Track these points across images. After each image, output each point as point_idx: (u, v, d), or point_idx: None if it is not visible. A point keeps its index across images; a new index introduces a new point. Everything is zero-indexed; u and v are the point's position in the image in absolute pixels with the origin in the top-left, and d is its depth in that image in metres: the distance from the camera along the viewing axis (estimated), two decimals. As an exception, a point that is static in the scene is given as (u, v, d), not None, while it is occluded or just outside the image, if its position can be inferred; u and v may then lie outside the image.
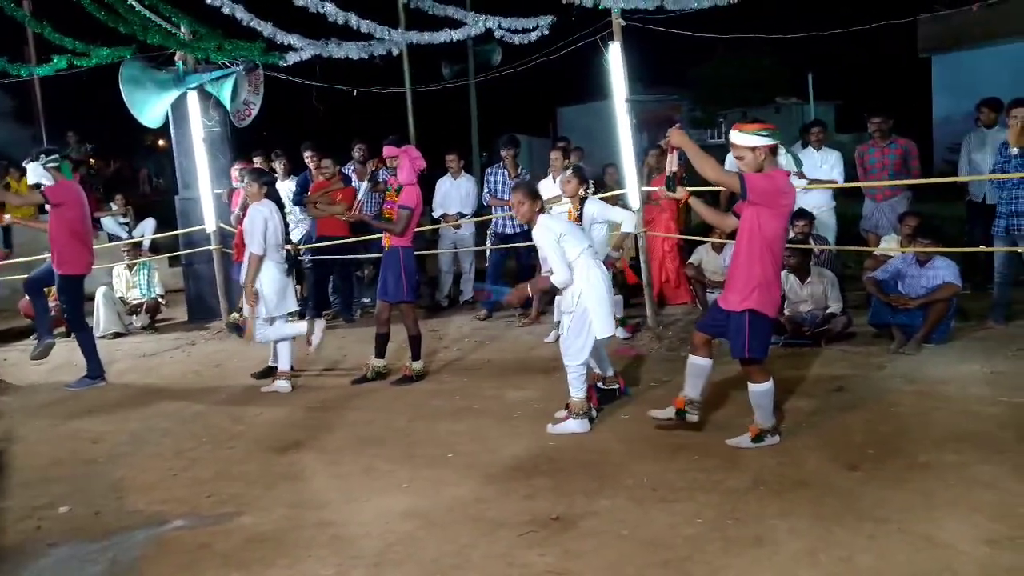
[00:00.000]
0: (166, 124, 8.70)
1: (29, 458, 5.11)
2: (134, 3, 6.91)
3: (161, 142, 19.59)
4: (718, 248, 7.58)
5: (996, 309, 6.60)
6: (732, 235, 4.85)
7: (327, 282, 8.90)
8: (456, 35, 7.39)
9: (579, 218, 6.20)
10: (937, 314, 6.04)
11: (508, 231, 8.58)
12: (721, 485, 3.93)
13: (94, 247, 10.22)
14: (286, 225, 6.28)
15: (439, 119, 16.38)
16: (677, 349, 6.62)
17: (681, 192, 4.54)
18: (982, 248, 7.11)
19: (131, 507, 4.24)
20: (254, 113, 8.38)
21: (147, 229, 11.06)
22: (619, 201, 7.87)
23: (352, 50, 7.43)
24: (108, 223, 11.42)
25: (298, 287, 7.90)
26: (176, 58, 8.14)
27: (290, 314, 6.45)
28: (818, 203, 7.84)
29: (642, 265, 7.50)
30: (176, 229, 9.14)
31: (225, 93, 7.91)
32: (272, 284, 6.18)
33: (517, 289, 5.21)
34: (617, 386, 5.37)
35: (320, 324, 6.45)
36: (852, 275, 7.92)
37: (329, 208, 8.25)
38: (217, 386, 6.58)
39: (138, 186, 17.88)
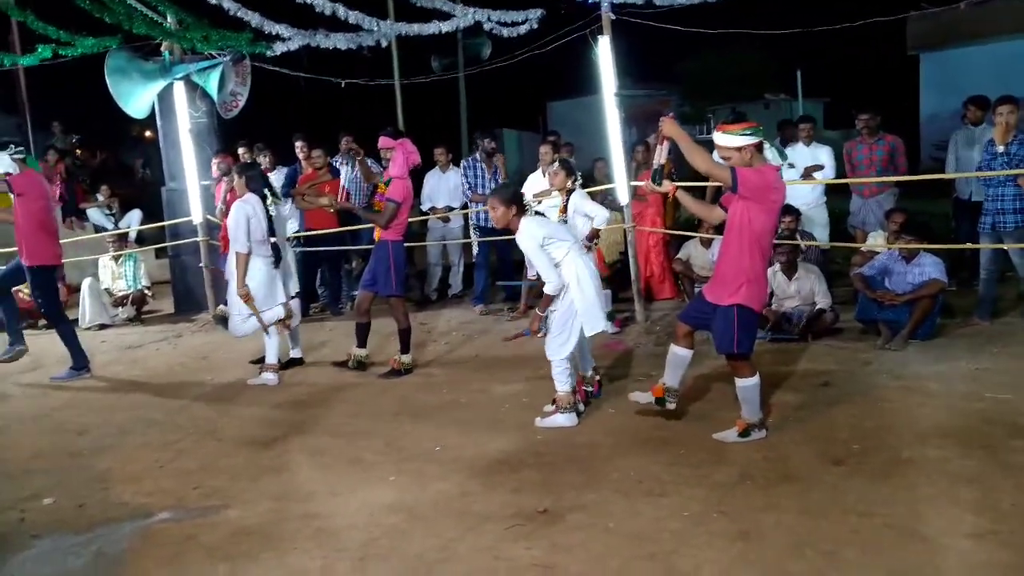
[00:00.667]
0: (153, 115, 8.62)
1: (12, 450, 5.07)
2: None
3: (148, 133, 19.41)
4: (706, 243, 7.59)
5: (982, 306, 6.65)
6: (720, 230, 4.87)
7: (315, 274, 8.87)
8: (445, 27, 7.35)
9: (566, 210, 6.21)
10: (923, 310, 6.08)
11: (490, 224, 8.57)
12: (707, 479, 3.95)
13: (80, 238, 10.20)
14: (270, 218, 6.21)
15: (429, 112, 16.33)
16: (665, 343, 6.61)
17: (667, 186, 4.54)
18: (968, 245, 7.15)
19: (116, 499, 4.21)
20: (241, 104, 8.31)
21: (133, 220, 10.98)
22: (608, 195, 7.88)
23: (340, 41, 7.39)
24: (94, 214, 11.33)
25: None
26: (162, 48, 8.07)
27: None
28: (808, 199, 7.88)
29: (630, 260, 7.51)
30: (162, 220, 9.07)
31: (212, 84, 7.84)
32: (258, 278, 6.14)
33: (532, 320, 5.18)
34: (592, 388, 5.33)
35: (296, 303, 6.40)
36: (839, 271, 7.96)
37: (317, 200, 8.21)
38: (203, 378, 6.54)
39: (124, 177, 17.72)
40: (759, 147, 4.18)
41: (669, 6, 6.84)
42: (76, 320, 8.68)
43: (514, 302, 8.38)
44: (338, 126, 9.61)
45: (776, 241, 6.72)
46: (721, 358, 4.64)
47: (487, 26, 7.43)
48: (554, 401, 4.96)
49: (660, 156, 4.49)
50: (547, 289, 4.81)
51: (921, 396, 5.03)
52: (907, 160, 7.98)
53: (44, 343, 8.15)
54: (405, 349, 6.32)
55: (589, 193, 6.71)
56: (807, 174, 7.81)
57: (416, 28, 7.38)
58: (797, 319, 6.42)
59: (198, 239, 8.40)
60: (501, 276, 8.83)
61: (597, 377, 5.40)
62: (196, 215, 8.33)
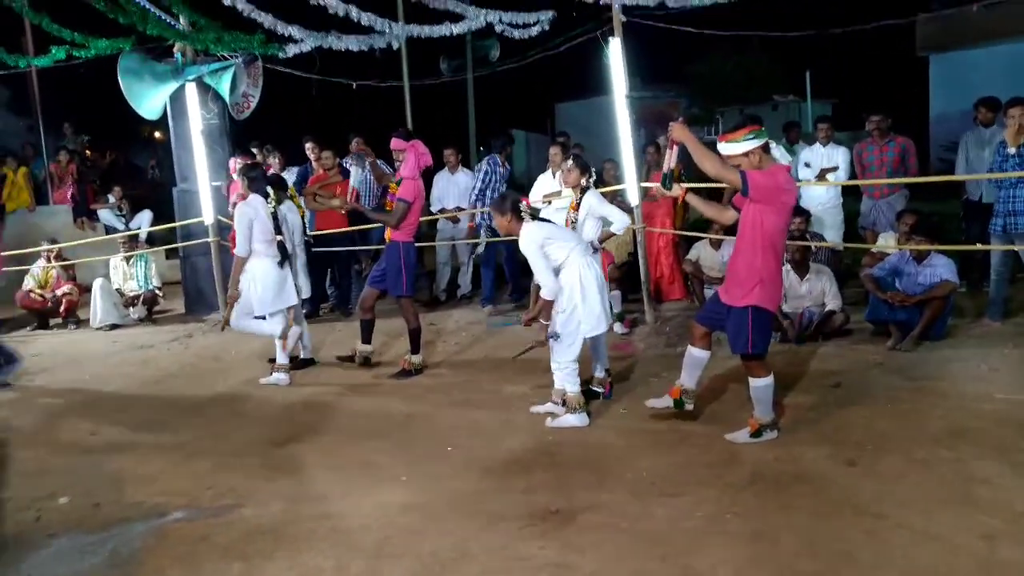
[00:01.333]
0: (164, 116, 8.66)
1: (28, 449, 5.10)
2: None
3: (158, 134, 19.49)
4: (716, 244, 7.59)
5: (993, 307, 6.63)
6: (730, 231, 4.88)
7: (325, 275, 8.90)
8: (456, 29, 7.37)
9: (579, 207, 6.18)
10: (934, 311, 6.07)
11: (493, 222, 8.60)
12: (720, 480, 3.95)
13: (92, 239, 10.25)
14: (275, 217, 6.21)
15: (437, 113, 16.35)
16: (675, 345, 6.63)
17: (677, 190, 4.55)
18: (979, 246, 7.13)
19: (130, 499, 4.24)
20: (253, 106, 8.35)
21: (144, 221, 11.03)
22: (617, 197, 7.88)
23: (352, 43, 7.41)
24: (105, 215, 11.38)
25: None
26: (175, 50, 8.11)
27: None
28: (824, 199, 7.87)
29: (640, 261, 7.51)
30: (173, 221, 9.11)
31: (224, 85, 7.88)
32: (266, 279, 6.13)
33: (539, 331, 5.06)
34: (602, 390, 5.35)
35: (295, 331, 6.40)
36: (850, 272, 7.95)
37: (328, 201, 8.25)
38: (215, 378, 6.57)
39: (134, 177, 17.80)
40: (766, 148, 4.20)
41: (680, 8, 6.83)
42: (88, 320, 8.75)
43: (520, 303, 8.39)
44: (348, 127, 9.66)
45: (788, 242, 6.74)
46: (731, 357, 4.65)
47: (498, 28, 7.45)
48: (563, 402, 4.97)
49: (670, 160, 4.50)
50: (543, 294, 4.83)
51: (933, 397, 5.02)
52: (917, 161, 7.97)
53: (55, 343, 8.22)
54: (415, 349, 6.33)
55: (600, 194, 6.70)
56: (822, 175, 7.81)
57: (428, 30, 7.41)
58: (808, 319, 6.41)
59: (209, 240, 8.43)
60: (510, 277, 8.85)
61: (608, 379, 5.40)
62: (207, 216, 8.37)
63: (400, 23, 7.48)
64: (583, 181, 6.11)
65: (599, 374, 5.34)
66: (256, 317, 6.19)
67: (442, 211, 9.11)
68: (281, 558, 3.47)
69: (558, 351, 4.92)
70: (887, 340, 6.20)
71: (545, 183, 7.96)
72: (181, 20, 7.88)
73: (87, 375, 6.83)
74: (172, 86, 8.10)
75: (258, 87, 8.26)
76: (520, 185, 12.86)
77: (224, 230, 8.35)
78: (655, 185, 7.22)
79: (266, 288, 6.13)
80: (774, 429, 4.43)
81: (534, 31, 7.66)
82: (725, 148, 4.20)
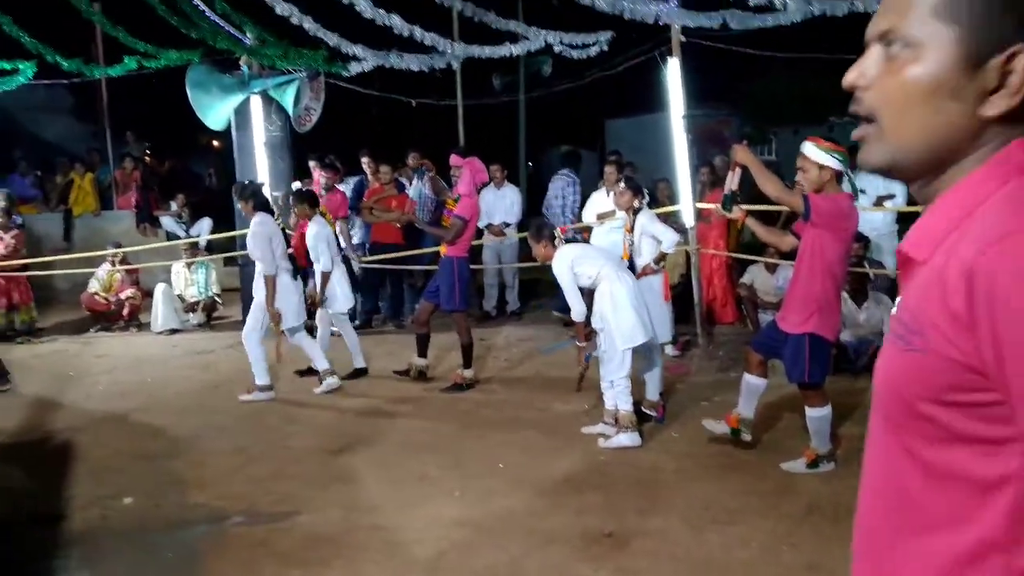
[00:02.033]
0: (228, 127, 8.89)
1: (93, 448, 5.27)
2: (205, 9, 7.10)
3: (216, 143, 19.96)
4: (771, 268, 7.52)
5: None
6: (786, 255, 4.84)
7: (378, 288, 9.03)
8: (516, 50, 7.46)
9: (633, 229, 6.20)
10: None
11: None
12: (775, 509, 3.92)
13: (154, 245, 10.56)
14: (284, 232, 6.39)
15: (488, 128, 16.49)
16: (727, 369, 6.59)
17: (737, 212, 4.53)
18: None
19: (191, 501, 4.37)
20: (314, 119, 8.54)
21: (203, 229, 11.31)
22: (671, 217, 7.87)
23: (413, 62, 7.55)
24: (167, 221, 11.70)
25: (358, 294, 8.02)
26: (241, 63, 8.35)
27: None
28: (879, 226, 7.75)
29: (694, 283, 7.48)
30: (230, 229, 9.33)
31: (288, 99, 8.09)
32: (291, 294, 6.27)
33: (578, 353, 5.27)
34: (655, 413, 5.34)
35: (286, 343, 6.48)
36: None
37: (384, 215, 8.38)
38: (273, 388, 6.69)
39: (192, 185, 18.25)
40: (839, 176, 4.16)
41: (743, 30, 6.82)
42: (149, 324, 9.00)
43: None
44: (405, 142, 9.81)
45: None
46: (789, 384, 4.60)
47: (557, 48, 7.52)
48: (616, 420, 4.99)
49: (732, 182, 4.49)
50: (573, 316, 4.99)
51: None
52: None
53: (118, 345, 8.48)
54: (467, 364, 6.40)
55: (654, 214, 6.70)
56: (879, 202, 7.69)
57: (488, 51, 7.51)
58: (865, 348, 6.32)
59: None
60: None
61: (661, 402, 5.39)
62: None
63: (460, 44, 7.58)
64: (636, 203, 6.13)
65: (652, 397, 5.34)
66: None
67: (488, 227, 9.18)
68: (338, 567, 3.55)
69: (608, 369, 4.96)
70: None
71: (598, 201, 7.98)
72: (248, 35, 8.11)
73: (148, 378, 7.03)
74: (238, 98, 8.33)
75: (320, 101, 8.45)
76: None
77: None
78: (715, 206, 7.20)
79: (290, 301, 6.26)
80: (831, 460, 4.38)
81: (592, 51, 7.72)
82: (810, 149, 4.15)
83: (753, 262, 7.78)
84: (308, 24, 6.47)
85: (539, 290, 9.71)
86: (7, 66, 8.26)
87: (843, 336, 6.38)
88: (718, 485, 4.26)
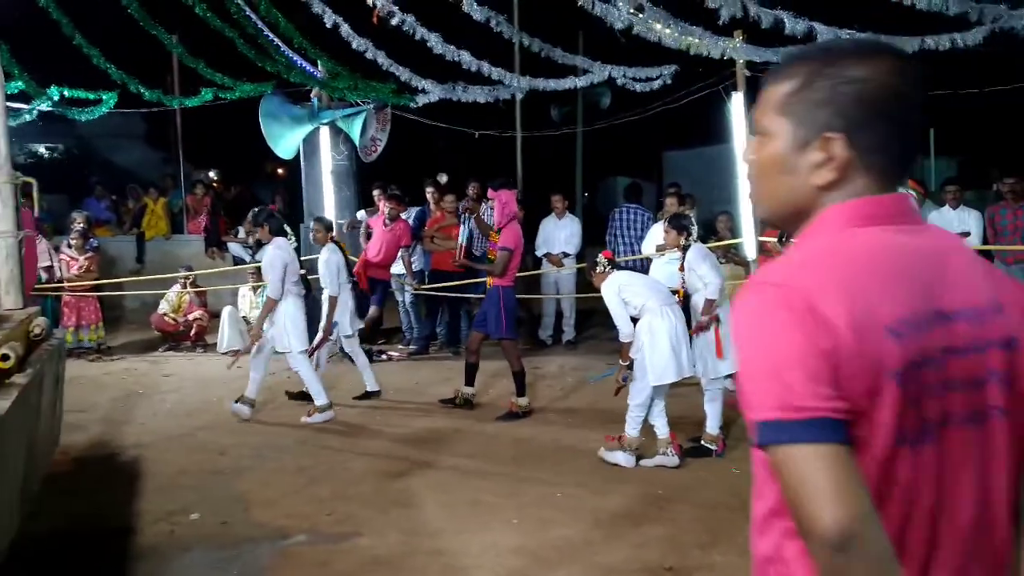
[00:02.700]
0: (297, 155, 9.18)
1: (160, 465, 5.43)
2: (280, 44, 7.40)
3: (280, 171, 20.53)
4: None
5: None
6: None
7: (436, 314, 9.15)
8: (580, 82, 7.57)
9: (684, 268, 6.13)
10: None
11: None
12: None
13: (221, 269, 10.89)
14: (346, 256, 6.63)
15: (545, 159, 16.65)
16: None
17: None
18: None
19: (256, 519, 4.46)
20: (380, 149, 8.77)
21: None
22: (731, 250, 7.82)
23: (478, 94, 7.73)
24: (234, 247, 12.05)
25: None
26: (312, 95, 8.63)
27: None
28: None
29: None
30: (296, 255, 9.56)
31: (355, 129, 8.33)
32: (299, 316, 6.39)
33: (618, 370, 5.38)
34: (715, 447, 5.32)
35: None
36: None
37: (445, 243, 8.51)
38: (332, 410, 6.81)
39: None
40: None
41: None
42: (215, 344, 9.26)
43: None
44: (467, 172, 9.97)
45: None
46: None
47: (620, 81, 7.60)
48: (619, 438, 5.16)
49: None
50: (620, 337, 5.20)
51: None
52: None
53: (185, 364, 8.73)
54: (521, 392, 6.43)
55: (712, 248, 6.65)
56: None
57: (553, 83, 7.63)
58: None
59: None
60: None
61: (722, 436, 5.34)
62: (332, 251, 8.76)
63: (517, 75, 7.72)
64: (683, 240, 6.03)
65: (712, 430, 5.29)
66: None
67: (547, 256, 9.24)
68: (398, 590, 3.58)
69: (631, 394, 5.17)
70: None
71: (658, 233, 7.97)
72: (321, 68, 8.39)
73: (214, 397, 7.22)
74: (307, 128, 8.61)
75: (385, 132, 8.68)
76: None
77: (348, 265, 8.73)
78: (771, 240, 7.15)
79: (298, 325, 6.38)
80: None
81: (656, 84, 7.78)
82: None
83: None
84: (381, 59, 6.68)
85: (595, 320, 9.70)
86: (91, 96, 8.71)
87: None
88: (780, 523, 4.19)
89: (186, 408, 6.92)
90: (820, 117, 1.15)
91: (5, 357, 2.99)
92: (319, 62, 8.20)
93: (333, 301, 6.77)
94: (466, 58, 6.42)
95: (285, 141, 8.62)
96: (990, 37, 6.03)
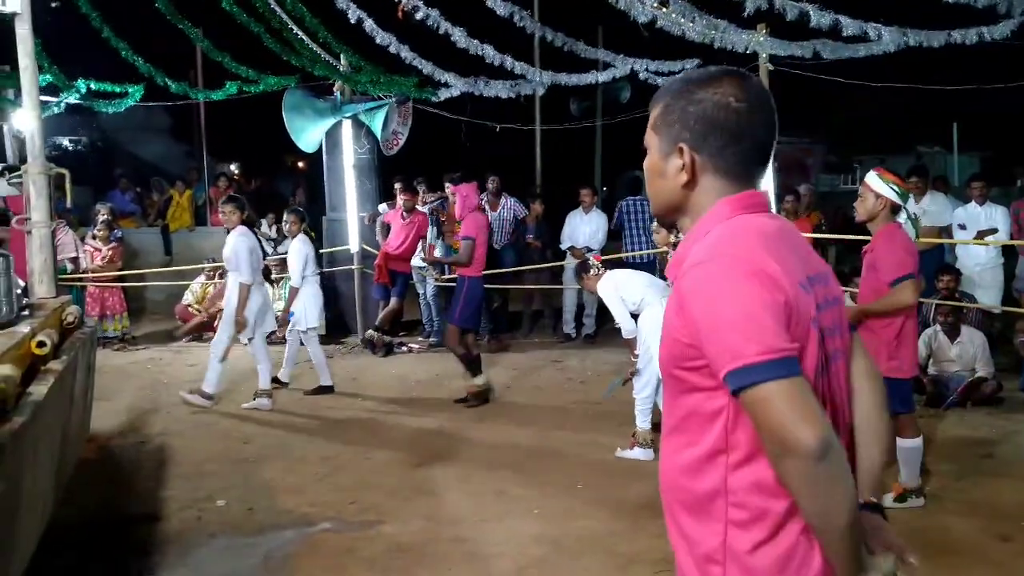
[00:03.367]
0: (319, 149, 9.22)
1: (186, 453, 5.52)
2: (305, 38, 7.45)
3: (301, 164, 20.64)
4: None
5: None
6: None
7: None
8: (602, 77, 7.56)
9: None
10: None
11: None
12: (862, 543, 3.84)
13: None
14: (261, 245, 6.72)
15: (564, 153, 16.63)
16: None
17: None
18: None
19: (281, 506, 4.53)
20: (401, 143, 8.82)
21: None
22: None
23: (501, 89, 7.75)
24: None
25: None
26: (335, 88, 8.68)
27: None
28: (983, 260, 7.52)
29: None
30: (315, 246, 9.63)
31: (377, 123, 8.38)
32: (258, 304, 6.53)
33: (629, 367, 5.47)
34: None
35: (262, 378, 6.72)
36: (1003, 336, 7.51)
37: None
38: (353, 399, 6.89)
39: (280, 205, 18.93)
40: (895, 208, 4.14)
41: (835, 59, 6.77)
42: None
43: None
44: (485, 166, 10.00)
45: (937, 302, 6.48)
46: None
47: (642, 75, 7.59)
48: (632, 434, 5.26)
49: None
50: (623, 334, 5.35)
51: (1098, 477, 4.70)
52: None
53: (208, 355, 8.81)
54: (473, 373, 6.56)
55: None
56: (980, 236, 7.46)
57: (575, 78, 7.63)
58: (956, 384, 6.12)
59: (353, 267, 8.89)
60: None
61: None
62: (353, 244, 8.84)
63: (539, 70, 7.72)
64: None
65: None
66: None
67: (571, 249, 9.25)
68: (423, 576, 3.64)
69: (636, 387, 5.29)
70: (1044, 411, 5.84)
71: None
72: (343, 62, 8.44)
73: (237, 388, 7.30)
74: (330, 122, 8.67)
75: (407, 126, 8.72)
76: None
77: (368, 259, 8.80)
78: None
79: (253, 313, 6.50)
80: (920, 496, 4.27)
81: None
82: (872, 179, 4.20)
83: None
84: (405, 53, 6.72)
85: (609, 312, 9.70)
86: (118, 89, 8.80)
87: (931, 370, 6.22)
88: (802, 516, 4.19)
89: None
90: (674, 132, 1.46)
91: (41, 344, 3.06)
92: (343, 56, 8.24)
93: (294, 292, 6.96)
94: (489, 52, 6.44)
95: (308, 134, 8.68)
96: (1018, 30, 5.98)
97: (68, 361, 3.22)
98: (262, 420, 6.27)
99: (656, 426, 5.19)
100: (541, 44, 8.73)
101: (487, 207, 9.26)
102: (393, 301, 8.42)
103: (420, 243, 8.43)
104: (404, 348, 8.83)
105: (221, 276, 9.57)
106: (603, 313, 9.65)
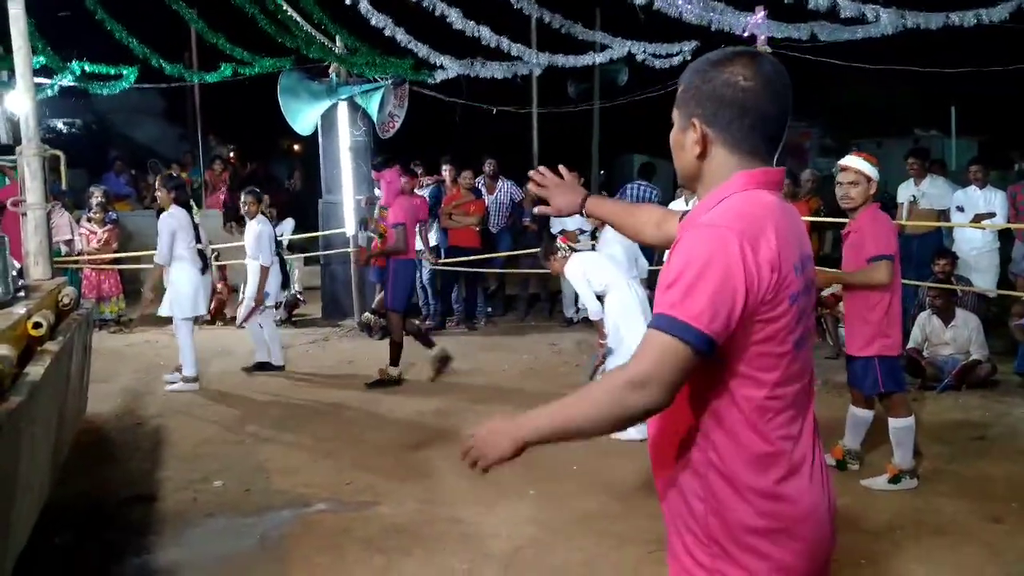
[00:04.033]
0: (314, 131, 9.18)
1: (183, 434, 5.53)
2: (299, 19, 7.40)
3: (296, 147, 20.55)
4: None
5: None
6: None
7: (452, 290, 9.19)
8: (599, 58, 7.53)
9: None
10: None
11: None
12: (855, 525, 3.87)
13: (241, 243, 10.94)
14: (196, 227, 6.68)
15: (562, 136, 16.58)
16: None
17: None
18: None
19: (277, 487, 4.55)
20: (397, 125, 8.78)
21: (286, 229, 11.66)
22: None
23: (496, 70, 7.71)
24: (252, 221, 12.11)
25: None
26: (330, 70, 8.63)
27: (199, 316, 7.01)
28: (979, 243, 7.53)
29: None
30: (310, 230, 9.64)
31: (373, 105, 8.33)
32: (190, 285, 6.51)
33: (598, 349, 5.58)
34: None
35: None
36: (998, 320, 7.54)
37: (463, 220, 8.54)
38: (349, 382, 6.89)
39: (273, 187, 18.86)
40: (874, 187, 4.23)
41: (832, 41, 6.74)
42: (234, 319, 9.34)
43: None
44: (482, 148, 9.97)
45: (930, 285, 6.50)
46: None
47: (640, 57, 7.55)
48: None
49: None
50: (590, 316, 5.47)
51: (1090, 459, 4.73)
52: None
53: (205, 337, 8.82)
54: (394, 362, 6.65)
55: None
56: (977, 220, 7.47)
57: (572, 60, 7.59)
58: (950, 368, 6.14)
59: (349, 250, 8.88)
60: None
61: None
62: (349, 227, 8.82)
63: (545, 52, 7.69)
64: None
65: None
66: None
67: (563, 232, 9.23)
68: (418, 555, 3.66)
69: (608, 367, 5.29)
70: (1037, 394, 5.87)
71: (678, 207, 7.99)
72: (338, 43, 8.38)
73: (234, 370, 7.31)
74: (325, 104, 8.62)
75: (403, 108, 8.68)
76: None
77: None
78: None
79: (185, 295, 6.49)
80: (914, 477, 4.30)
81: (675, 60, 7.73)
82: (859, 163, 4.20)
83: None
84: (400, 35, 6.68)
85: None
86: (112, 71, 8.74)
87: (926, 353, 6.25)
88: (795, 497, 4.22)
89: (206, 379, 6.99)
90: (691, 108, 1.59)
91: (37, 325, 3.06)
92: (338, 38, 8.19)
93: (265, 271, 6.94)
94: (485, 34, 6.40)
95: (303, 117, 8.64)
96: (1016, 13, 5.96)
97: (64, 342, 3.22)
98: (258, 403, 6.29)
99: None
100: (538, 26, 8.66)
101: (484, 190, 9.26)
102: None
103: (418, 226, 8.41)
104: (400, 331, 8.83)
105: (216, 259, 9.56)
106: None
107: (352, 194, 8.80)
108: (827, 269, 4.79)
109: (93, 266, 9.01)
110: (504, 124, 13.51)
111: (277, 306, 9.53)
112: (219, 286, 9.51)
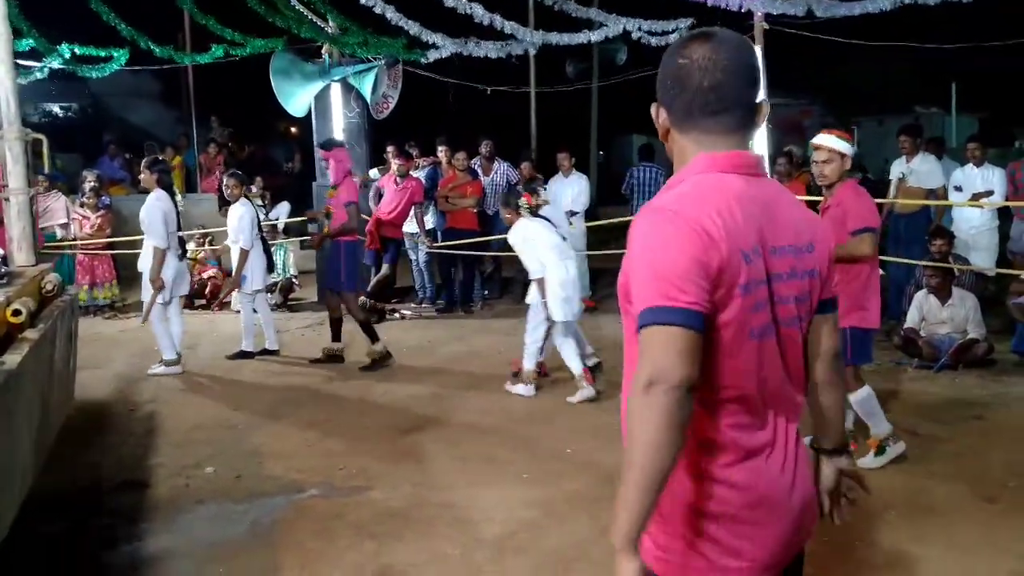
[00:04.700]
0: (308, 113, 9.10)
1: (175, 420, 5.51)
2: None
3: (294, 129, 20.43)
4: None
5: None
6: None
7: (450, 273, 9.14)
8: (594, 37, 7.43)
9: None
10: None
11: None
12: (849, 506, 3.84)
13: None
14: (177, 212, 6.68)
15: (560, 116, 16.46)
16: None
17: None
18: None
19: (269, 472, 4.53)
20: (391, 106, 8.69)
21: (282, 213, 11.61)
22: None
23: (491, 49, 7.61)
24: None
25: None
26: (323, 51, 8.54)
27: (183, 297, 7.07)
28: (978, 222, 7.46)
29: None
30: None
31: (366, 86, 8.25)
32: (170, 269, 6.50)
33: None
34: (599, 360, 6.10)
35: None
36: (996, 299, 7.49)
37: (461, 201, 8.46)
38: (344, 365, 6.87)
39: (270, 170, 18.76)
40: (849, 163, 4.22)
41: (829, 17, 6.64)
42: (229, 303, 9.31)
43: None
44: (478, 129, 9.88)
45: (927, 264, 6.44)
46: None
47: (635, 35, 7.45)
48: (517, 373, 5.82)
49: None
50: (531, 276, 5.67)
51: (1087, 438, 4.70)
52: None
53: (199, 322, 8.80)
54: (372, 340, 6.64)
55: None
56: (975, 198, 7.39)
57: (567, 38, 7.50)
58: (947, 347, 6.11)
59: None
60: None
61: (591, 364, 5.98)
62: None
63: (539, 30, 7.59)
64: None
65: (587, 351, 6.05)
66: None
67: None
68: (410, 540, 3.64)
69: (527, 331, 5.78)
70: (1034, 373, 5.84)
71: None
72: (330, 24, 8.28)
73: (228, 354, 7.28)
74: (319, 85, 8.53)
75: (397, 88, 8.59)
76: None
77: (359, 224, 8.70)
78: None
79: (169, 278, 6.49)
80: (898, 441, 4.28)
81: (672, 38, 7.62)
82: (833, 141, 4.17)
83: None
84: (391, 14, 6.59)
85: (606, 278, 9.66)
86: (102, 53, 8.65)
87: (923, 332, 6.21)
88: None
89: (200, 365, 6.99)
90: (657, 90, 1.62)
91: (17, 312, 3.01)
92: (329, 17, 8.09)
93: (245, 254, 6.91)
94: (478, 11, 6.31)
95: (296, 99, 8.55)
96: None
97: (45, 329, 3.17)
98: (252, 388, 6.26)
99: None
100: (534, 3, 8.56)
101: (480, 171, 9.18)
102: (384, 267, 8.38)
103: (414, 208, 8.35)
104: (396, 315, 8.81)
105: (211, 243, 9.52)
106: (595, 278, 9.66)
107: (346, 176, 8.70)
108: None
109: (87, 251, 8.96)
110: (501, 104, 13.40)
111: (271, 290, 9.52)
112: (213, 270, 9.46)
